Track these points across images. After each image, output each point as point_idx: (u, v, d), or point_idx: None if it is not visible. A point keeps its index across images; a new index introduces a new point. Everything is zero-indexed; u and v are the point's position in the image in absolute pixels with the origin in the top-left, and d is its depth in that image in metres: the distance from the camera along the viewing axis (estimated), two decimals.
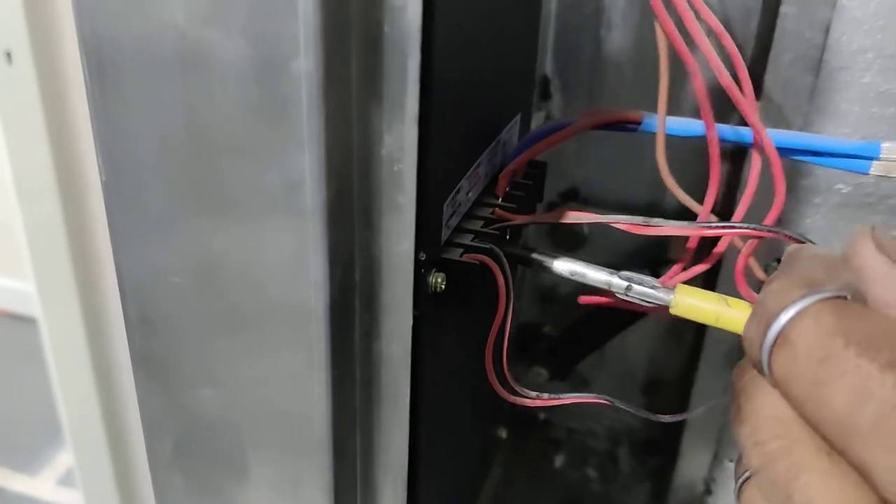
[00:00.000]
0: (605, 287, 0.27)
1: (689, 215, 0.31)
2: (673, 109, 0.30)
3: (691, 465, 0.54)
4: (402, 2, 0.19)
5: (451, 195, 0.26)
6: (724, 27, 0.45)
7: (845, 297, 0.18)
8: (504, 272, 0.26)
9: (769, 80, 0.42)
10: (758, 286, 0.34)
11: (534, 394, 0.29)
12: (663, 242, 0.48)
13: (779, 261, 0.46)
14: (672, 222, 0.26)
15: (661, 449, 0.58)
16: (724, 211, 0.45)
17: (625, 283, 0.27)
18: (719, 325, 0.24)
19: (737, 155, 0.45)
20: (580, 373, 0.56)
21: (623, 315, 0.54)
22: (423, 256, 0.24)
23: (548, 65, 0.46)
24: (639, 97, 0.46)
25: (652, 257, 0.49)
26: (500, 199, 0.30)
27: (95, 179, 1.07)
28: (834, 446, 0.17)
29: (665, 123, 0.28)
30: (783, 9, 0.40)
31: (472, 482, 0.41)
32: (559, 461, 0.60)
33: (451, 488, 0.35)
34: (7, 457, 1.81)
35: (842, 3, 0.39)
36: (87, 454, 1.21)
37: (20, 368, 2.01)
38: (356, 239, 0.22)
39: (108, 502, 1.24)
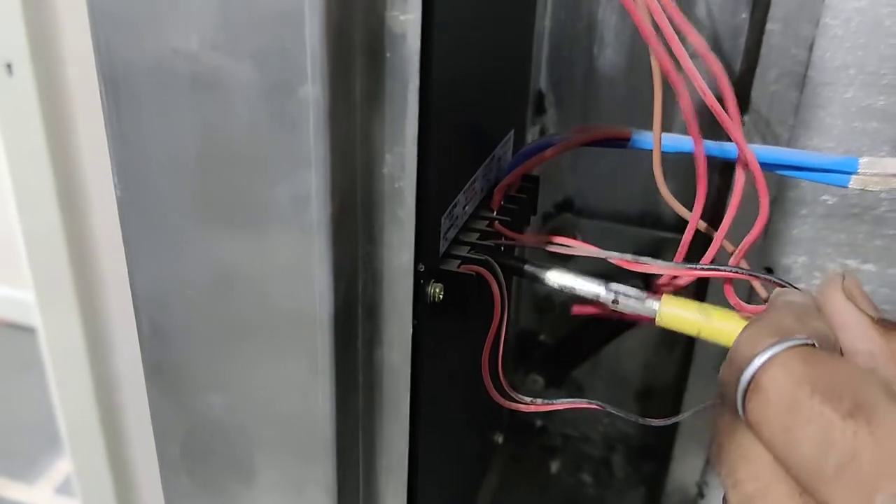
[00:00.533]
0: (595, 298, 0.28)
1: (682, 223, 0.32)
2: (667, 125, 0.32)
3: (684, 469, 0.55)
4: (402, 29, 0.21)
5: (449, 209, 0.27)
6: (714, 43, 0.47)
7: (813, 345, 0.19)
8: (499, 282, 0.27)
9: (756, 94, 0.43)
10: (748, 291, 0.35)
11: (528, 399, 0.31)
12: (659, 249, 0.50)
13: (768, 269, 0.48)
14: (659, 262, 0.27)
15: (655, 455, 0.59)
16: (714, 218, 0.47)
17: (611, 296, 0.28)
18: (701, 337, 0.25)
19: (728, 166, 0.46)
20: (575, 380, 0.57)
21: (617, 324, 0.55)
22: (422, 268, 0.25)
23: (542, 80, 0.47)
24: (631, 111, 0.48)
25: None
26: (495, 213, 0.31)
27: (94, 190, 1.08)
28: (804, 489, 0.18)
29: (660, 141, 0.29)
30: (769, 26, 0.42)
31: (470, 486, 0.42)
32: (555, 467, 0.61)
33: (450, 491, 0.36)
34: (5, 465, 1.82)
35: (824, 22, 0.41)
36: (86, 462, 1.21)
37: (18, 377, 2.02)
38: (359, 251, 0.24)
39: None
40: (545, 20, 0.46)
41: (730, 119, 0.24)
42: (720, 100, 0.27)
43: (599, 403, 0.31)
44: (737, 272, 0.26)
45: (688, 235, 0.28)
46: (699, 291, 0.44)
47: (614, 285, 0.28)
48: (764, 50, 0.43)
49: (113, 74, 0.21)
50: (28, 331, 2.11)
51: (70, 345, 1.12)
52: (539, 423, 0.61)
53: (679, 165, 0.37)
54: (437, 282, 0.26)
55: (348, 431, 0.26)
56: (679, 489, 0.56)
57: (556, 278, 0.29)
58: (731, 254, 0.31)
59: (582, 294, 0.28)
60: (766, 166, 0.29)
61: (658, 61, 0.24)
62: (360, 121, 0.22)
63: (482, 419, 0.42)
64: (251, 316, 0.24)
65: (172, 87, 0.21)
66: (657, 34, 0.24)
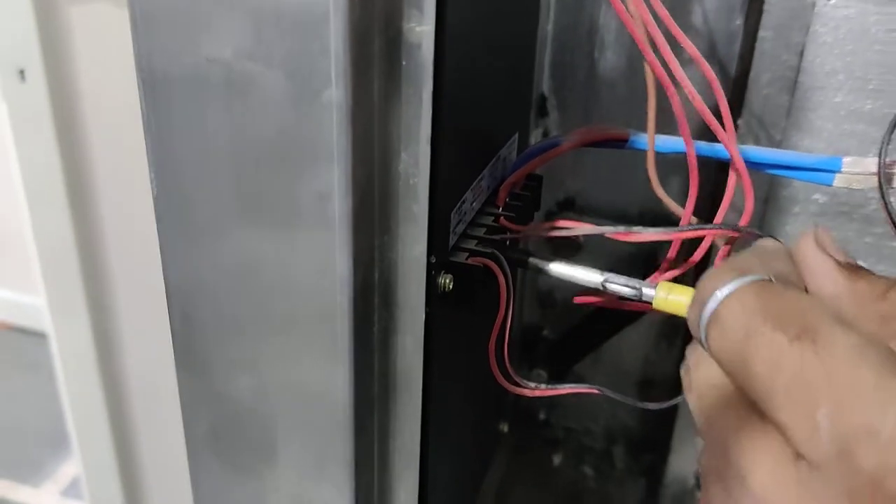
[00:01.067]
0: (595, 286, 0.30)
1: (678, 222, 0.34)
2: (663, 126, 0.34)
3: (682, 460, 0.57)
4: (418, 39, 0.23)
5: (458, 205, 0.29)
6: (710, 48, 0.49)
7: (769, 280, 0.21)
8: (504, 273, 0.29)
9: (750, 98, 0.45)
10: None
11: (532, 384, 0.32)
12: (654, 249, 0.51)
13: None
14: (651, 229, 0.29)
15: (654, 447, 0.61)
16: (710, 215, 0.49)
17: (611, 283, 0.30)
18: None
19: (726, 165, 0.48)
20: (578, 373, 0.59)
21: (618, 318, 0.57)
22: (433, 259, 0.27)
23: (545, 83, 0.49)
24: (631, 113, 0.50)
25: (644, 262, 0.52)
26: (500, 209, 0.33)
27: (104, 194, 1.10)
28: (759, 408, 0.20)
29: (654, 142, 0.31)
30: (761, 33, 0.44)
31: (477, 470, 0.44)
32: (557, 459, 0.63)
33: (457, 473, 0.38)
34: (11, 468, 1.83)
35: (814, 29, 0.42)
36: (95, 465, 1.22)
37: (24, 381, 2.03)
38: (375, 244, 0.26)
39: None
40: (548, 25, 0.48)
41: (717, 122, 0.26)
42: (715, 103, 0.29)
43: (599, 388, 0.33)
44: (724, 228, 0.28)
45: (683, 223, 0.29)
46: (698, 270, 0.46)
47: (612, 274, 0.30)
48: (757, 55, 0.44)
49: (152, 82, 0.23)
50: (33, 334, 2.13)
51: (80, 349, 1.14)
52: (542, 416, 0.63)
53: (680, 165, 0.39)
54: (446, 273, 0.28)
55: (365, 412, 0.28)
56: (677, 480, 0.58)
57: (559, 269, 0.31)
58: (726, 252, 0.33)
59: (582, 282, 0.30)
60: (756, 165, 0.31)
61: (651, 68, 0.25)
62: (377, 122, 0.24)
63: (488, 407, 0.44)
64: (276, 304, 0.26)
65: (207, 93, 0.23)
66: (651, 43, 0.26)
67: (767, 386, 0.19)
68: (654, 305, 0.29)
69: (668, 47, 0.25)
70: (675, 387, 0.56)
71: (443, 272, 0.28)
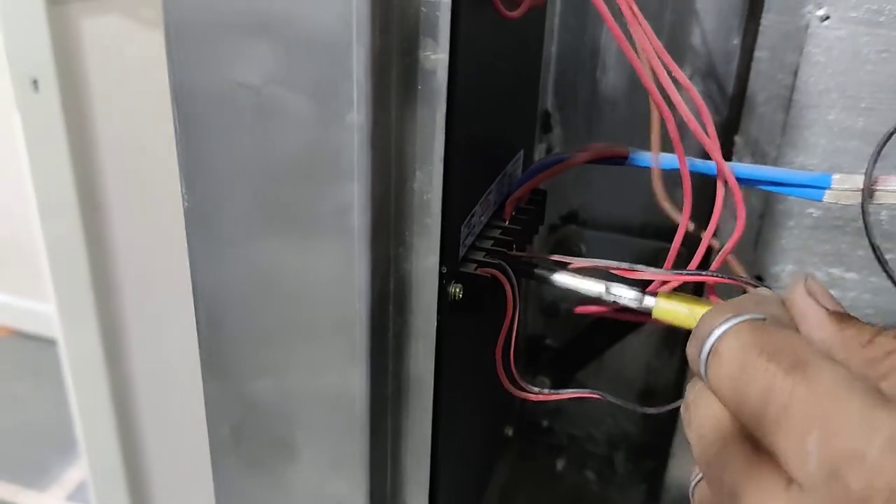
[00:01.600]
0: (597, 296, 0.32)
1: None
2: (665, 144, 0.35)
3: (682, 466, 0.58)
4: (433, 66, 0.24)
5: (468, 219, 0.31)
6: (708, 68, 0.51)
7: (763, 320, 0.23)
8: (511, 283, 0.31)
9: (747, 115, 0.47)
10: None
11: (536, 389, 0.34)
12: (654, 259, 0.53)
13: (759, 277, 0.51)
14: (651, 269, 0.31)
15: (655, 453, 0.62)
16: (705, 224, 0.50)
17: (613, 293, 0.31)
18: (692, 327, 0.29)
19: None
20: (580, 381, 0.61)
21: (619, 328, 0.58)
22: (444, 270, 0.29)
23: (549, 102, 0.51)
24: (632, 130, 0.52)
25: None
26: (507, 223, 0.35)
27: (114, 203, 1.12)
28: (754, 436, 0.21)
29: (658, 159, 0.33)
30: (757, 53, 0.45)
31: (482, 471, 0.46)
32: (561, 464, 0.64)
33: (465, 473, 0.39)
34: (18, 473, 1.85)
35: (808, 50, 0.44)
36: (102, 470, 1.23)
37: (30, 386, 2.05)
38: (391, 255, 0.27)
39: None
40: (552, 46, 0.50)
41: (709, 141, 0.28)
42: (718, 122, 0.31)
43: (600, 393, 0.35)
44: (717, 276, 0.30)
45: (677, 241, 0.31)
46: (696, 292, 0.48)
47: (614, 284, 0.31)
48: (753, 75, 0.46)
49: (185, 102, 0.25)
50: (39, 340, 2.15)
51: (89, 355, 1.15)
52: (546, 423, 0.65)
53: (675, 180, 0.41)
54: (457, 282, 0.30)
55: (380, 413, 0.29)
56: (677, 485, 0.59)
57: (563, 279, 0.32)
58: (724, 259, 0.35)
59: (585, 292, 0.32)
60: (749, 182, 0.33)
61: (650, 94, 0.27)
62: (394, 142, 0.26)
63: (494, 411, 0.45)
64: (298, 310, 0.27)
65: (236, 113, 0.25)
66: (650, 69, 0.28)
67: (761, 413, 0.21)
68: (654, 315, 0.31)
69: (665, 74, 0.27)
70: (675, 394, 0.58)
71: (453, 282, 0.30)
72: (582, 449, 0.65)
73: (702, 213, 0.38)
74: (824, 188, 0.33)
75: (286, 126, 0.25)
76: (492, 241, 0.33)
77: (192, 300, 0.29)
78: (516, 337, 0.33)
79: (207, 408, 0.30)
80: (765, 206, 0.48)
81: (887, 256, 0.48)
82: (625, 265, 0.32)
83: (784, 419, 0.20)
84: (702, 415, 0.23)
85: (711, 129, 0.28)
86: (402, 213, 0.27)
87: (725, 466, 0.22)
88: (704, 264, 0.36)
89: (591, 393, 0.35)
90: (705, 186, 0.34)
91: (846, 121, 0.45)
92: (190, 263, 0.28)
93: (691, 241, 0.36)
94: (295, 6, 0.23)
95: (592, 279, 0.32)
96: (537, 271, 0.33)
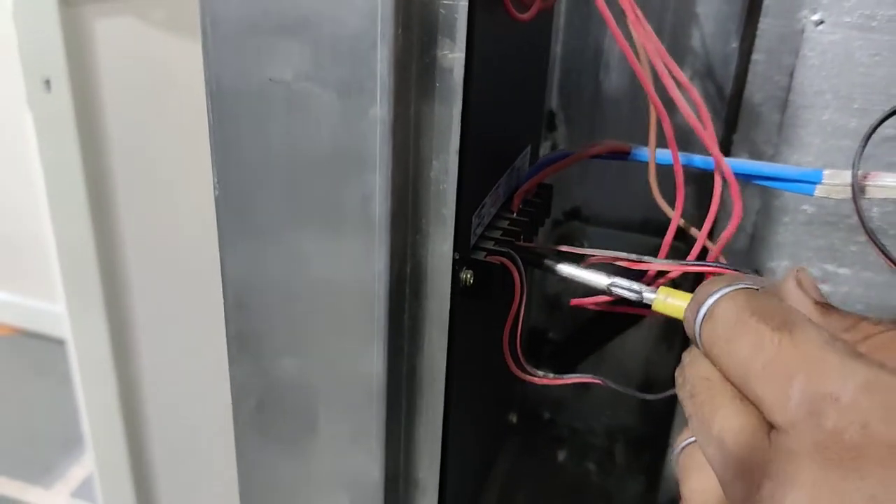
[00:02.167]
0: (602, 289, 0.34)
1: (680, 229, 0.38)
2: (661, 141, 0.37)
3: None
4: (450, 65, 0.26)
5: (478, 209, 0.33)
6: (707, 69, 0.53)
7: (756, 289, 0.25)
8: (519, 270, 0.33)
9: (744, 115, 0.49)
10: None
11: (541, 373, 0.36)
12: (653, 254, 0.55)
13: (756, 271, 0.53)
14: (658, 260, 0.33)
15: (654, 445, 0.64)
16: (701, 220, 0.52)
17: (616, 286, 0.33)
18: None
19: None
20: (581, 372, 0.63)
21: (620, 321, 0.60)
22: (456, 256, 0.31)
23: (554, 101, 0.53)
24: (633, 128, 0.53)
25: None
26: (514, 214, 0.37)
27: (124, 201, 1.13)
28: (741, 390, 0.23)
29: (655, 156, 0.35)
30: (755, 56, 0.47)
31: (488, 453, 0.48)
32: (562, 456, 0.66)
33: (472, 452, 0.41)
34: (23, 470, 1.86)
35: (803, 53, 0.46)
36: (109, 468, 1.25)
37: (34, 384, 2.07)
38: (408, 241, 0.29)
39: None
40: (557, 47, 0.52)
41: (707, 136, 0.30)
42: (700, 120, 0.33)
43: (602, 379, 0.37)
44: (716, 266, 0.32)
45: (670, 233, 0.33)
46: (696, 284, 0.50)
47: (617, 279, 0.33)
48: (751, 76, 0.48)
49: (219, 96, 0.27)
50: (41, 338, 2.16)
51: (98, 354, 1.16)
52: (547, 415, 0.67)
53: (688, 176, 0.43)
54: (468, 269, 0.32)
55: (395, 391, 0.31)
56: (675, 475, 0.61)
57: (569, 270, 0.34)
58: (720, 251, 0.37)
59: (590, 284, 0.34)
60: (745, 177, 0.35)
61: (648, 94, 0.29)
62: (413, 135, 0.28)
63: (499, 396, 0.47)
64: (321, 293, 0.29)
65: (268, 108, 0.27)
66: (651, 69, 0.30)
67: (749, 366, 0.23)
68: (654, 307, 0.33)
69: (666, 75, 0.29)
70: (673, 384, 0.59)
71: (465, 268, 0.32)
72: (583, 441, 0.66)
73: (702, 211, 0.40)
74: (815, 183, 0.35)
75: (314, 120, 0.26)
76: (500, 232, 0.35)
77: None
78: (522, 323, 0.35)
79: (233, 385, 0.32)
80: (761, 204, 0.50)
81: (872, 254, 0.50)
82: (633, 256, 0.34)
83: (769, 370, 0.22)
84: (694, 375, 0.25)
85: (709, 126, 0.30)
86: (419, 202, 0.29)
87: (713, 420, 0.24)
88: (701, 258, 0.38)
89: (593, 378, 0.37)
90: (706, 185, 0.36)
91: (840, 121, 0.47)
92: (220, 248, 0.30)
93: (690, 237, 0.38)
94: (325, 7, 0.25)
95: (597, 271, 0.34)
96: (546, 262, 0.35)
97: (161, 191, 1.15)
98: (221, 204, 0.29)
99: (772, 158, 0.49)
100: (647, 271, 0.35)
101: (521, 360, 0.36)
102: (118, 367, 1.19)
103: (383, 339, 0.29)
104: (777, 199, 0.50)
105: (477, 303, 0.34)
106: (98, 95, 1.13)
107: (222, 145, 0.28)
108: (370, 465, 0.32)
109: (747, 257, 0.52)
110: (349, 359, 0.30)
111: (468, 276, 0.32)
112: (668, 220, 0.38)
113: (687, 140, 0.50)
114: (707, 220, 0.33)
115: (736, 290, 0.25)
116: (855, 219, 0.50)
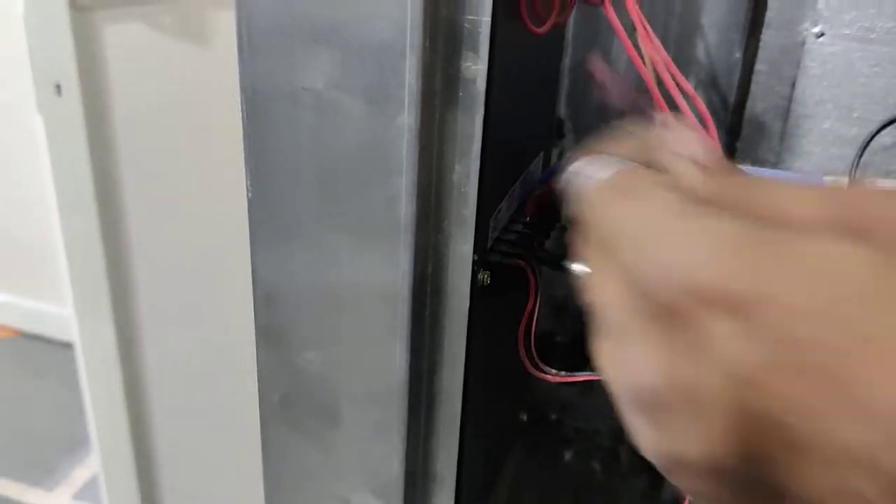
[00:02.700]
0: None
1: None
2: None
3: None
4: (473, 76, 0.28)
5: (496, 213, 0.34)
6: (712, 79, 0.54)
7: (629, 166, 0.26)
8: (533, 270, 0.35)
9: (747, 124, 0.51)
10: None
11: (553, 371, 0.37)
12: None
13: None
14: None
15: None
16: None
17: None
18: None
19: None
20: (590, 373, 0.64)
21: None
22: (475, 257, 0.32)
23: (562, 110, 0.55)
24: None
25: None
26: (528, 218, 0.39)
27: (132, 205, 1.15)
28: (607, 258, 0.24)
29: None
30: (757, 66, 0.49)
31: (501, 448, 0.49)
32: (568, 455, 0.67)
33: (487, 445, 0.43)
34: (25, 472, 1.87)
35: (805, 64, 0.48)
36: (115, 471, 1.25)
37: (36, 387, 2.08)
38: (431, 241, 0.31)
39: None
40: (565, 59, 0.53)
41: (713, 142, 0.32)
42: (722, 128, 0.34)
43: None
44: None
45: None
46: None
47: None
48: (754, 86, 0.50)
49: (253, 102, 0.29)
50: (42, 340, 2.17)
51: (105, 357, 1.17)
52: (554, 416, 0.68)
53: None
54: (485, 269, 0.34)
55: (416, 384, 0.33)
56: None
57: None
58: None
59: None
60: None
61: (658, 104, 0.31)
62: (437, 140, 0.29)
63: (512, 395, 0.49)
64: (348, 290, 0.31)
65: (299, 114, 0.28)
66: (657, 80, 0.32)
67: (609, 237, 0.24)
68: None
69: (673, 84, 0.30)
70: None
71: (482, 269, 0.33)
72: (588, 441, 0.68)
73: None
74: None
75: (343, 125, 0.28)
76: (515, 235, 0.37)
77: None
78: (536, 323, 0.37)
79: (260, 377, 0.34)
80: None
81: None
82: None
83: (619, 235, 0.23)
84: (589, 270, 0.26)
85: (713, 133, 0.31)
86: (441, 204, 0.30)
87: (594, 289, 0.25)
88: None
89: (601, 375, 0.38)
90: None
91: (840, 129, 0.49)
92: (251, 246, 0.31)
93: None
94: (356, 18, 0.26)
95: None
96: (562, 263, 0.36)
97: (169, 194, 1.16)
98: (254, 205, 0.31)
99: (774, 166, 0.51)
100: None
101: (536, 357, 0.37)
102: (125, 371, 1.20)
103: (406, 336, 0.31)
104: None
105: (492, 303, 0.35)
106: (108, 100, 1.14)
107: (255, 149, 0.30)
108: (391, 456, 0.33)
109: None
110: (373, 354, 0.31)
111: (485, 276, 0.33)
112: None
113: None
114: None
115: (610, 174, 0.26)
116: None
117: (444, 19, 0.27)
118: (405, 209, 0.28)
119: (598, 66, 0.34)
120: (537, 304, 0.36)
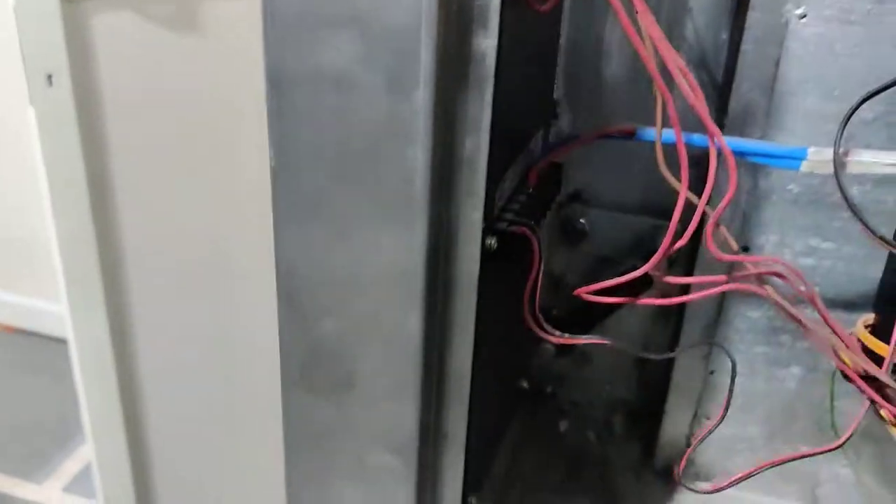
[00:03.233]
0: None
1: (674, 203, 0.41)
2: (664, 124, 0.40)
3: (675, 424, 0.64)
4: (482, 56, 0.30)
5: (501, 184, 0.37)
6: (700, 59, 0.57)
7: None
8: (537, 237, 0.37)
9: (734, 101, 0.53)
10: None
11: (557, 332, 0.40)
12: (652, 234, 0.59)
13: (745, 248, 0.57)
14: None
15: (649, 415, 0.68)
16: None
17: None
18: None
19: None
20: (583, 348, 0.66)
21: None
22: (483, 225, 0.34)
23: (558, 89, 0.57)
24: (632, 115, 0.57)
25: (646, 247, 0.60)
26: (530, 189, 0.41)
27: (124, 195, 1.15)
28: None
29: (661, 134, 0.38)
30: (743, 46, 0.51)
31: (505, 411, 0.51)
32: (564, 426, 0.70)
33: (493, 406, 0.45)
34: (14, 465, 1.88)
35: (788, 44, 0.50)
36: (108, 465, 1.26)
37: (25, 381, 2.07)
38: (443, 210, 0.33)
39: None
40: (561, 40, 0.55)
41: (703, 111, 0.34)
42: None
43: (610, 339, 0.41)
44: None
45: (680, 202, 0.37)
46: (690, 256, 0.54)
47: None
48: (740, 65, 0.52)
49: (278, 81, 0.31)
50: (31, 335, 2.17)
51: (99, 353, 1.17)
52: (550, 389, 0.70)
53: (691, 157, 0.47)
54: (492, 235, 0.36)
55: (430, 347, 0.35)
56: (670, 442, 0.65)
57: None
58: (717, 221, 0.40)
59: None
60: (737, 153, 0.39)
61: (655, 80, 0.33)
62: (449, 115, 0.31)
63: (515, 361, 0.51)
64: (365, 258, 0.33)
65: (321, 91, 0.30)
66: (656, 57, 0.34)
67: None
68: None
69: (672, 63, 0.32)
70: (669, 360, 0.63)
71: (489, 235, 0.35)
72: (583, 413, 0.70)
73: (700, 190, 0.43)
74: (801, 159, 0.39)
75: (362, 101, 0.30)
76: (518, 205, 0.39)
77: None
78: (538, 288, 0.39)
79: (282, 344, 0.36)
80: (752, 184, 0.54)
81: (853, 230, 0.54)
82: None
83: None
84: None
85: (701, 98, 0.33)
86: (451, 174, 0.32)
87: None
88: (698, 232, 0.42)
89: (601, 339, 0.41)
90: (703, 170, 0.40)
91: (821, 107, 0.51)
92: (273, 216, 0.33)
93: (685, 218, 0.41)
94: (374, 2, 0.28)
95: None
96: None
97: (163, 188, 1.17)
98: (277, 175, 0.32)
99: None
100: (655, 251, 0.38)
101: (539, 318, 0.39)
102: (119, 367, 1.21)
103: (421, 304, 0.33)
104: (764, 180, 0.54)
105: (497, 271, 0.37)
106: (100, 90, 1.14)
107: (278, 122, 0.31)
108: (405, 416, 0.35)
109: (740, 234, 0.56)
110: (389, 320, 0.33)
111: (492, 242, 0.35)
112: (665, 203, 0.42)
113: (684, 125, 0.54)
114: (704, 194, 0.37)
115: None
116: (837, 197, 0.54)
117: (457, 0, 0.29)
118: (420, 180, 0.30)
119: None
120: (541, 269, 0.38)
